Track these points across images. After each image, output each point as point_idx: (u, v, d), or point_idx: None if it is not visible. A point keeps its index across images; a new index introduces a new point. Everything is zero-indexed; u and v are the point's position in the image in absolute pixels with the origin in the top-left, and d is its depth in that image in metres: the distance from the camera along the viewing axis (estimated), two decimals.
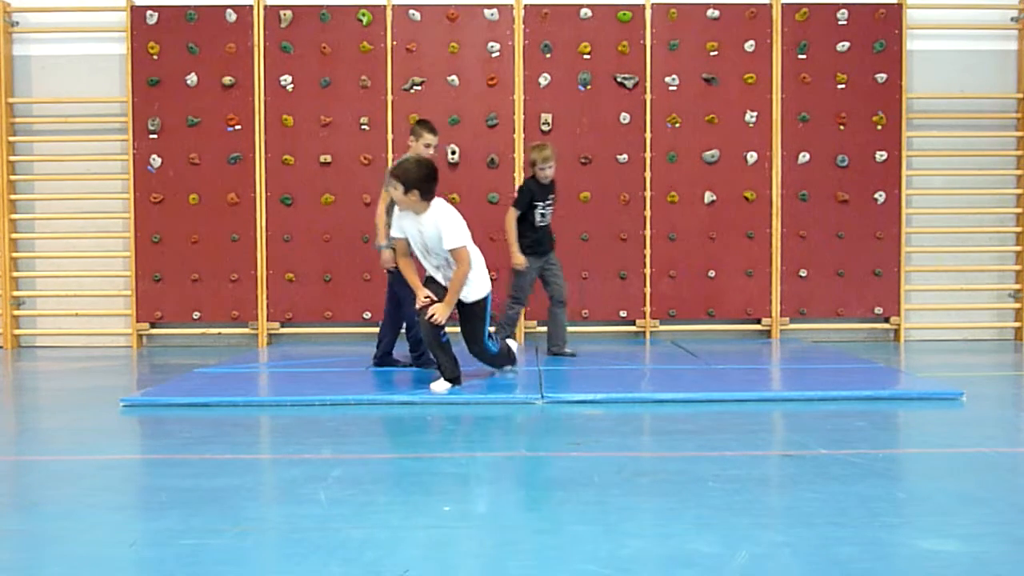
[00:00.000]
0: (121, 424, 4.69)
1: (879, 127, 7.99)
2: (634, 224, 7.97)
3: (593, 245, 7.92)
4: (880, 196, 8.01)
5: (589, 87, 7.91)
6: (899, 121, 7.98)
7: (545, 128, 7.90)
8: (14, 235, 8.10)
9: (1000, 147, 8.19)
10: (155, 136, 7.91)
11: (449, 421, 4.59)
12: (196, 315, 7.97)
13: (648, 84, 7.92)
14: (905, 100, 7.99)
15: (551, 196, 6.57)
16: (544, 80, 7.91)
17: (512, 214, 6.50)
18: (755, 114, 7.92)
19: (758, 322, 8.03)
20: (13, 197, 8.08)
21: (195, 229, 7.91)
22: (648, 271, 7.98)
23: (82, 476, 3.58)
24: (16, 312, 8.14)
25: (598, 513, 3.03)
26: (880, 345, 7.92)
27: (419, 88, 7.94)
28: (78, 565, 2.59)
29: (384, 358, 6.18)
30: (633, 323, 8.06)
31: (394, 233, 5.33)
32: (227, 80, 7.86)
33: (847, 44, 7.93)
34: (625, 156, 7.95)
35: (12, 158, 8.07)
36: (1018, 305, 8.20)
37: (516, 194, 6.67)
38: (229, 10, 7.87)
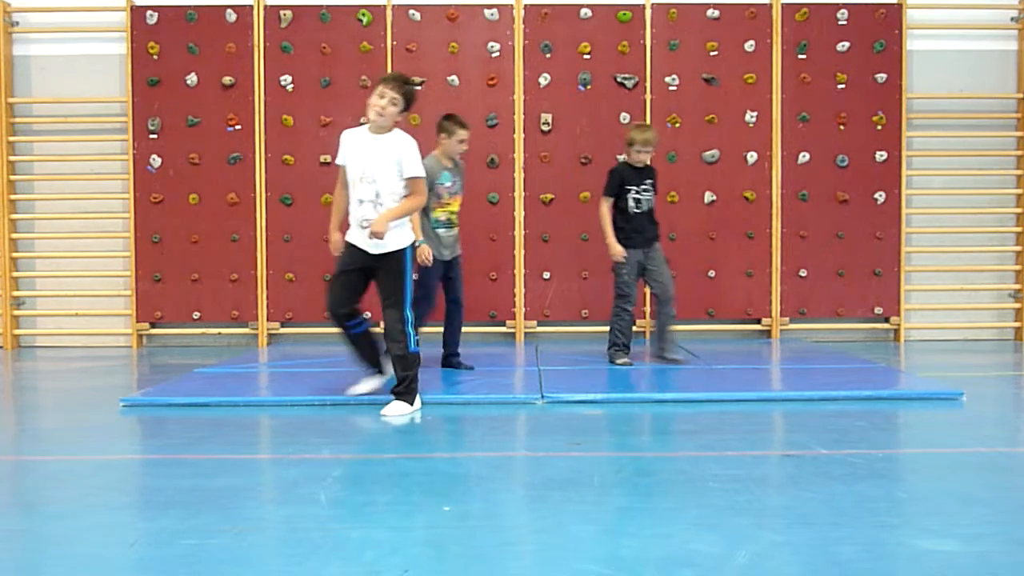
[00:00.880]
0: (121, 424, 4.69)
1: (879, 127, 7.98)
2: None
3: (593, 245, 7.90)
4: (880, 196, 8.01)
5: (589, 87, 7.91)
6: (899, 121, 7.98)
7: (545, 128, 7.90)
8: (14, 235, 8.10)
9: (1000, 147, 8.18)
10: (155, 136, 7.91)
11: (449, 421, 4.59)
12: (196, 315, 7.97)
13: (648, 84, 7.92)
14: (905, 100, 7.98)
15: (648, 181, 6.20)
16: (544, 80, 7.91)
17: (604, 203, 6.18)
18: (755, 114, 7.91)
19: (758, 322, 8.03)
20: (13, 197, 8.08)
21: (195, 229, 7.91)
22: None
23: (82, 476, 3.58)
24: (16, 312, 8.14)
25: (598, 513, 3.03)
26: (880, 345, 7.92)
27: (419, 88, 7.91)
28: (78, 565, 2.59)
29: (449, 359, 6.13)
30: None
31: (338, 160, 4.88)
32: (227, 80, 7.86)
33: (847, 44, 7.93)
34: (624, 156, 7.93)
35: (12, 158, 8.07)
36: (1018, 305, 8.20)
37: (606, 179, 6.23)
38: (229, 10, 7.87)
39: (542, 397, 5.09)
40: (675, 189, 7.92)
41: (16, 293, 8.13)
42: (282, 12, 7.88)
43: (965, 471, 3.59)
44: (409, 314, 4.74)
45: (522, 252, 7.92)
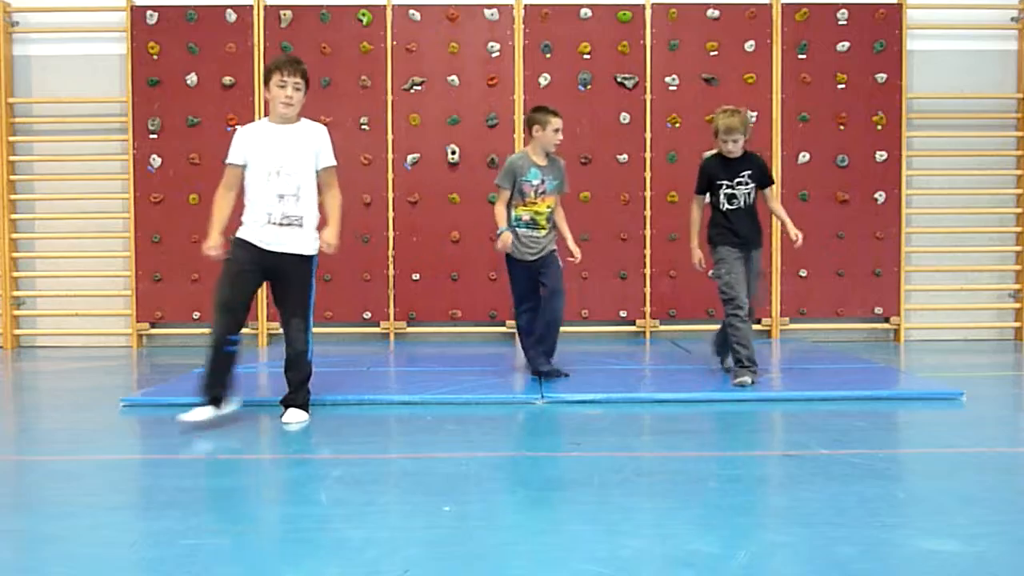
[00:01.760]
0: (121, 424, 4.69)
1: (879, 127, 7.98)
2: (634, 224, 7.97)
3: (593, 245, 7.91)
4: (880, 196, 8.01)
5: (589, 87, 7.91)
6: (899, 121, 7.98)
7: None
8: (14, 235, 8.10)
9: (1000, 147, 8.18)
10: (155, 136, 7.91)
11: (449, 421, 4.59)
12: (196, 315, 7.97)
13: (648, 84, 7.93)
14: (905, 100, 7.99)
15: (744, 174, 5.44)
16: (544, 80, 7.91)
17: (694, 202, 5.63)
18: (755, 114, 7.91)
19: (758, 322, 8.03)
20: (13, 197, 8.07)
21: (195, 229, 7.88)
22: (648, 271, 7.98)
23: (82, 476, 3.58)
24: (16, 312, 8.14)
25: (598, 513, 3.03)
26: (880, 345, 7.92)
27: (419, 88, 7.94)
28: (78, 565, 2.59)
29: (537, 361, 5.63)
30: (633, 323, 8.06)
31: (231, 159, 4.44)
32: (227, 80, 7.86)
33: (847, 44, 7.93)
34: (625, 156, 7.95)
35: (12, 158, 8.06)
36: (1018, 305, 8.20)
37: None
38: (229, 10, 7.87)
39: (542, 397, 5.08)
40: (675, 189, 7.92)
41: (16, 293, 8.13)
42: (282, 12, 7.88)
43: (965, 471, 3.59)
44: (311, 322, 4.55)
45: None
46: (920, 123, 8.16)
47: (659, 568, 2.53)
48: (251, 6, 7.88)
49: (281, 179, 4.38)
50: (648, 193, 7.95)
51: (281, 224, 4.38)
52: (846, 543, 2.69)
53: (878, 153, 7.99)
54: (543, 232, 5.47)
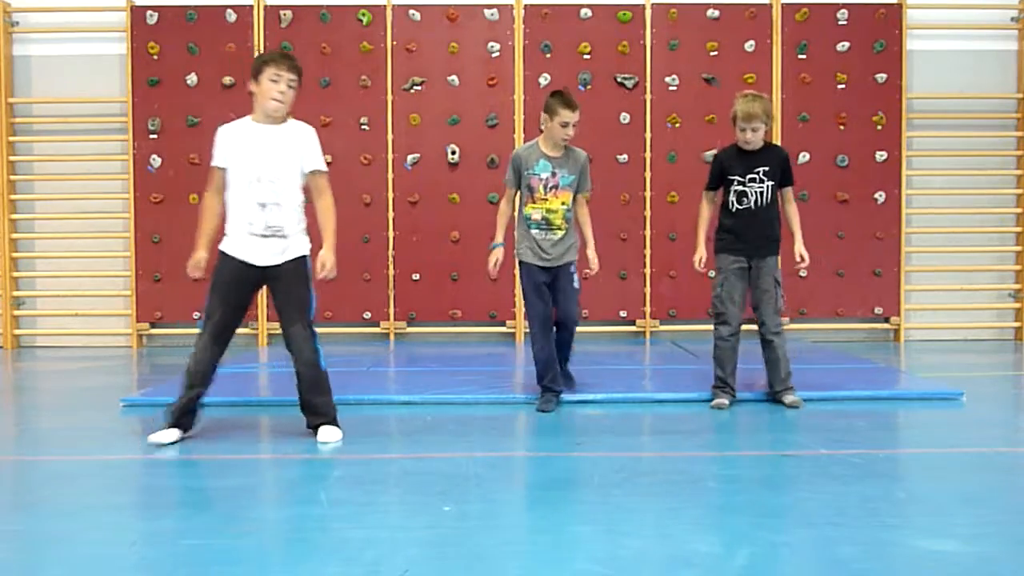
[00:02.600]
0: (121, 424, 4.68)
1: (879, 127, 7.99)
2: (634, 224, 7.97)
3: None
4: (880, 196, 8.01)
5: (589, 87, 7.91)
6: (899, 121, 7.98)
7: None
8: (14, 235, 8.10)
9: (1000, 147, 8.19)
10: (155, 136, 7.91)
11: (449, 421, 4.59)
12: (196, 315, 7.95)
13: (648, 84, 7.93)
14: (905, 100, 7.99)
15: (759, 169, 4.74)
16: (544, 80, 7.91)
17: (702, 198, 5.00)
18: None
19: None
20: (13, 197, 8.08)
21: (195, 229, 7.87)
22: (648, 271, 7.99)
23: (82, 476, 3.58)
24: (16, 312, 8.14)
25: (598, 513, 3.03)
26: (880, 345, 7.92)
27: (419, 88, 7.94)
28: (78, 565, 2.59)
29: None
30: (633, 323, 8.06)
31: (215, 161, 4.12)
32: (227, 80, 7.86)
33: (847, 44, 7.93)
34: (625, 156, 7.95)
35: (12, 158, 8.07)
36: (1018, 305, 8.20)
37: None
38: (229, 10, 7.87)
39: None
40: (675, 189, 7.93)
41: (16, 293, 8.13)
42: (282, 12, 7.88)
43: (965, 471, 3.59)
44: (314, 328, 4.18)
45: None
46: (920, 123, 8.16)
47: (659, 568, 2.53)
48: (251, 6, 7.88)
49: (263, 186, 4.00)
50: (648, 193, 7.95)
51: (264, 236, 4.01)
52: (846, 543, 2.69)
53: (878, 153, 7.99)
54: (559, 234, 4.76)
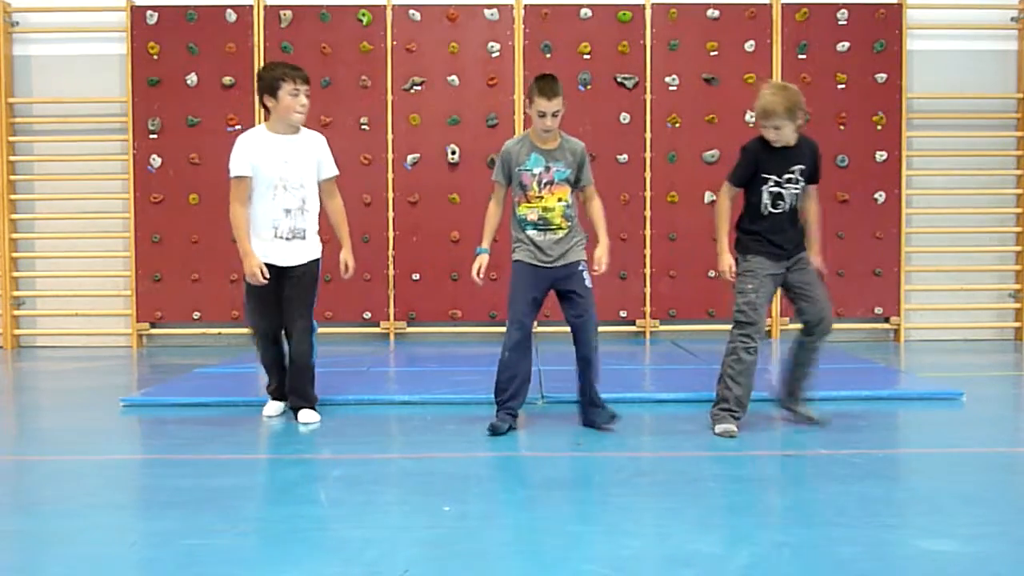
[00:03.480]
0: (121, 424, 4.69)
1: (879, 127, 7.98)
2: (634, 224, 7.97)
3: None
4: (880, 196, 8.01)
5: (589, 87, 7.91)
6: (899, 121, 7.98)
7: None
8: (14, 235, 8.10)
9: (1000, 147, 8.19)
10: (155, 136, 7.91)
11: (449, 421, 4.59)
12: (196, 315, 7.97)
13: (648, 84, 7.93)
14: (905, 100, 7.99)
15: (796, 168, 4.20)
16: None
17: (724, 192, 4.35)
18: (755, 114, 7.91)
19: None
20: (13, 197, 8.07)
21: (195, 229, 7.90)
22: (648, 271, 7.98)
23: (82, 476, 3.58)
24: (16, 312, 8.14)
25: (598, 513, 3.03)
26: (880, 345, 7.92)
27: (419, 88, 7.94)
28: (78, 565, 2.59)
29: (585, 408, 4.44)
30: (633, 323, 8.06)
31: (240, 171, 4.35)
32: (227, 80, 7.86)
33: (847, 44, 7.93)
34: (625, 156, 7.95)
35: (12, 158, 8.06)
36: (1018, 305, 8.20)
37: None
38: (229, 10, 7.87)
39: (542, 397, 5.08)
40: (675, 189, 7.93)
41: (16, 293, 8.13)
42: (282, 12, 7.88)
43: (965, 471, 3.59)
44: (315, 324, 4.60)
45: None
46: (920, 123, 8.16)
47: (659, 568, 2.53)
48: (251, 6, 7.88)
49: (288, 193, 4.36)
50: (648, 193, 7.95)
51: (288, 239, 4.39)
52: (846, 543, 2.69)
53: (878, 153, 7.99)
54: (560, 234, 4.34)
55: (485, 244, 4.40)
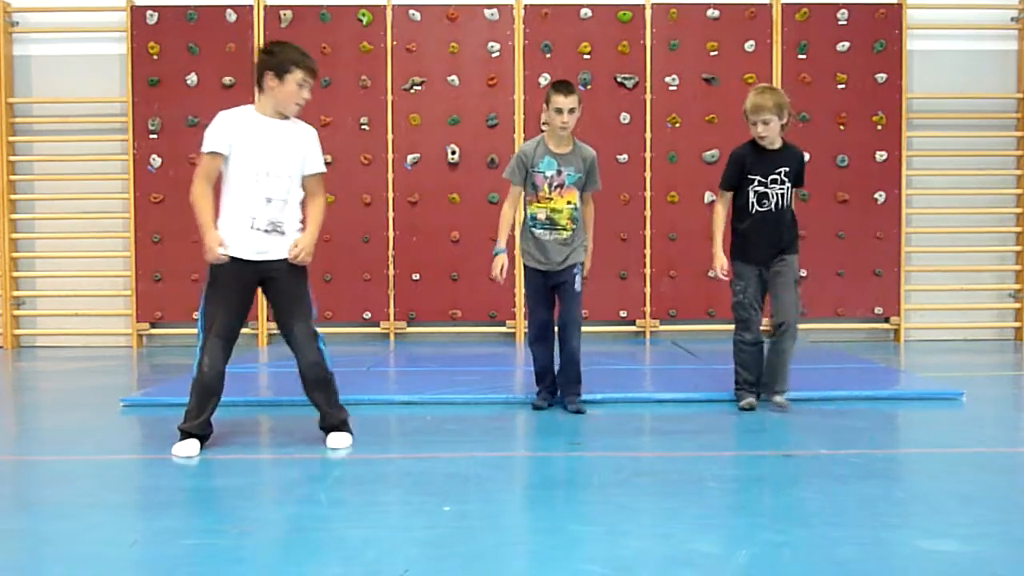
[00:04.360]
0: (121, 424, 4.69)
1: (879, 127, 7.98)
2: (634, 224, 7.97)
3: (593, 245, 7.91)
4: (880, 196, 8.01)
5: (589, 87, 7.91)
6: (899, 121, 7.98)
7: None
8: (14, 235, 8.10)
9: (1000, 147, 8.19)
10: (155, 136, 7.91)
11: (449, 421, 4.59)
12: (195, 315, 7.95)
13: (648, 84, 7.93)
14: (905, 100, 7.99)
15: (781, 170, 4.53)
16: (544, 80, 7.90)
17: (718, 199, 4.73)
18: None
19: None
20: (13, 197, 8.08)
21: (195, 229, 7.77)
22: (648, 271, 7.99)
23: (82, 476, 3.58)
24: (16, 312, 8.14)
25: (598, 513, 3.03)
26: (880, 345, 7.92)
27: (419, 88, 7.94)
28: (78, 565, 2.59)
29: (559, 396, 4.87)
30: (633, 323, 8.06)
31: (214, 147, 3.86)
32: (227, 80, 7.86)
33: (847, 44, 7.93)
34: (625, 156, 7.95)
35: (12, 158, 8.07)
36: (1018, 305, 8.20)
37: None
38: (229, 10, 7.87)
39: None
40: (675, 189, 7.93)
41: (16, 293, 8.13)
42: (282, 12, 7.88)
43: (965, 471, 3.59)
44: (317, 329, 4.06)
45: None
46: (920, 123, 8.16)
47: (659, 568, 2.53)
48: (251, 6, 7.88)
49: (271, 181, 3.88)
50: (648, 193, 7.95)
51: (266, 231, 3.90)
52: (846, 543, 2.69)
53: (878, 153, 7.99)
54: (564, 235, 4.59)
55: (501, 244, 4.60)
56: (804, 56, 7.96)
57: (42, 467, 3.81)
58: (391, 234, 7.94)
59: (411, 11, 7.91)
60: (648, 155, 7.94)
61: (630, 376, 5.89)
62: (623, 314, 8.02)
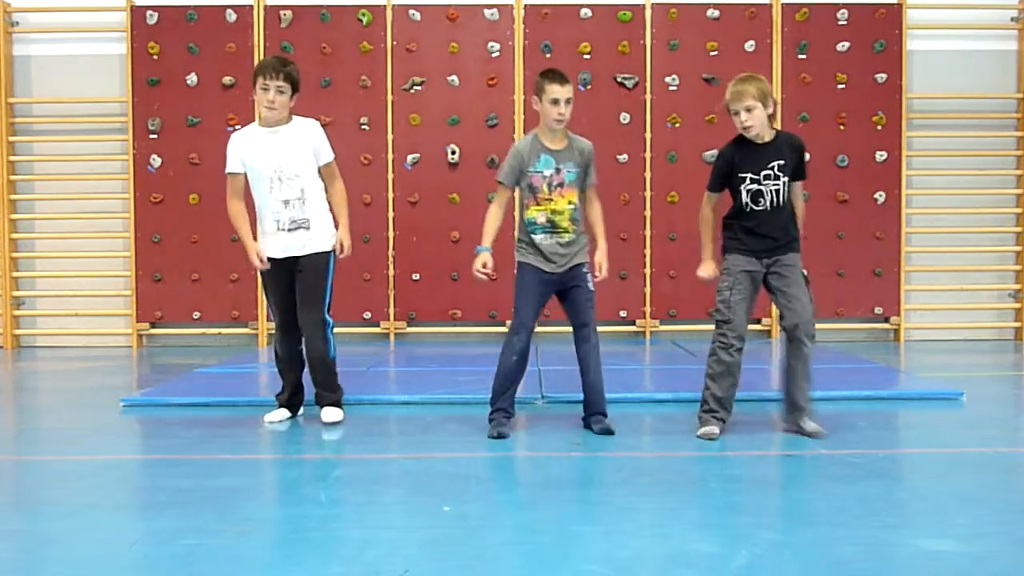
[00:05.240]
0: (121, 424, 4.69)
1: (879, 127, 7.98)
2: (634, 224, 7.97)
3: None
4: (880, 196, 8.00)
5: (589, 87, 7.91)
6: (899, 121, 7.98)
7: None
8: (14, 235, 8.10)
9: (1000, 147, 8.18)
10: (155, 136, 7.91)
11: (449, 421, 4.59)
12: (196, 315, 7.97)
13: (648, 84, 7.92)
14: (905, 100, 7.98)
15: (773, 164, 4.15)
16: None
17: (704, 201, 4.41)
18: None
19: (758, 322, 8.02)
20: (13, 197, 8.07)
21: (195, 229, 7.90)
22: (648, 271, 7.98)
23: (82, 476, 3.58)
24: (16, 312, 8.14)
25: (598, 513, 3.03)
26: (880, 345, 7.92)
27: (419, 88, 7.93)
28: (78, 565, 2.59)
29: (587, 419, 4.40)
30: (633, 323, 8.06)
31: (230, 168, 4.39)
32: (227, 80, 7.86)
33: (847, 44, 7.93)
34: (625, 156, 7.95)
35: (12, 158, 8.06)
36: (1018, 305, 8.20)
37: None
38: (229, 10, 7.87)
39: (542, 397, 5.09)
40: (675, 189, 7.93)
41: (16, 293, 8.13)
42: (282, 12, 7.88)
43: (965, 471, 3.59)
44: (329, 318, 4.46)
45: None
46: (920, 123, 8.16)
47: (659, 568, 2.53)
48: (251, 6, 7.88)
49: (284, 185, 4.33)
50: (648, 193, 7.95)
51: (290, 230, 4.36)
52: (846, 543, 2.69)
53: (878, 153, 7.99)
54: (567, 237, 4.29)
55: (487, 243, 4.24)
56: (804, 56, 7.96)
57: (42, 467, 3.81)
58: (391, 234, 7.94)
59: (411, 11, 7.91)
60: (648, 155, 7.94)
61: (630, 376, 5.89)
62: (623, 314, 8.02)
